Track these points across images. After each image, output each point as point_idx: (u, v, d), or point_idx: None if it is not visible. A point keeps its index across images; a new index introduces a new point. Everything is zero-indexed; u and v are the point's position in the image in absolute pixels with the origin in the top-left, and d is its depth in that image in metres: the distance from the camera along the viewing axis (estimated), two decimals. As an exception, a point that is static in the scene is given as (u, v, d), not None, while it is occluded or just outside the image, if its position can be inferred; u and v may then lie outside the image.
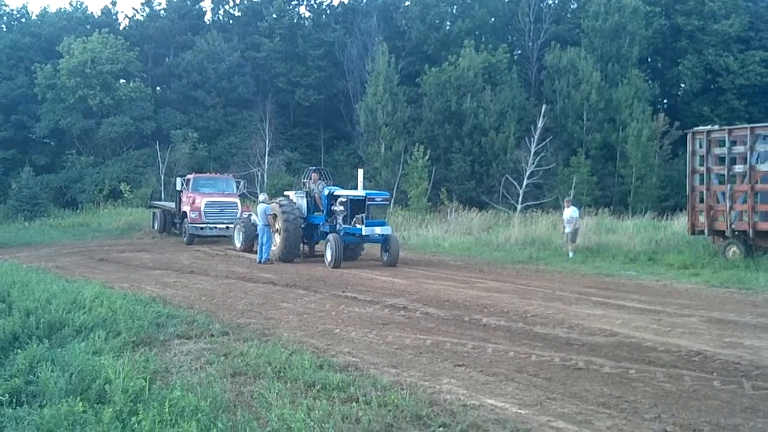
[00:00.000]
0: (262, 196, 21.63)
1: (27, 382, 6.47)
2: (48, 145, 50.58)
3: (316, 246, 21.75)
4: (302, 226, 20.37)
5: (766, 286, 14.53)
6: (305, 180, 21.51)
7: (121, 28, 54.17)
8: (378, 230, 18.97)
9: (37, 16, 55.00)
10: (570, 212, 21.71)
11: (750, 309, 11.96)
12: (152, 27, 52.80)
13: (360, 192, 19.78)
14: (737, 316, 11.11)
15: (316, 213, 20.81)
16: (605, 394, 6.83)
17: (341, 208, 19.50)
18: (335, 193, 20.21)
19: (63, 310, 9.45)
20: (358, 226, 18.89)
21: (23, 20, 54.06)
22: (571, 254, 21.19)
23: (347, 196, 19.71)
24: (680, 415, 6.18)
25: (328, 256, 18.81)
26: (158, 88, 53.57)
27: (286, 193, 22.39)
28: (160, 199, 36.67)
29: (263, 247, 19.95)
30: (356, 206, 19.27)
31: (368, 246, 21.24)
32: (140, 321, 9.48)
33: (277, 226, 20.48)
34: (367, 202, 19.01)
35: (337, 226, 19.64)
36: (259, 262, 19.67)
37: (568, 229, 21.68)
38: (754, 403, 6.56)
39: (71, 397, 5.85)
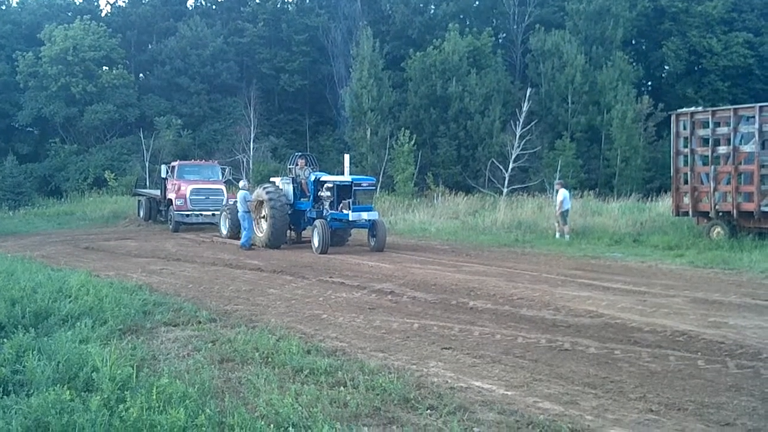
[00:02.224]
0: (242, 183, 21.78)
1: (14, 371, 6.43)
2: (31, 134, 50.23)
3: (303, 232, 21.73)
4: (289, 212, 20.33)
5: (750, 266, 14.66)
6: (291, 166, 21.43)
7: (102, 14, 53.72)
8: (365, 215, 18.95)
9: (17, 3, 54.48)
10: (561, 195, 21.77)
11: (734, 289, 12.07)
12: (134, 13, 52.39)
13: (346, 177, 19.75)
14: (721, 296, 11.21)
15: (302, 199, 20.73)
16: (591, 374, 6.89)
17: (328, 193, 19.43)
18: (322, 179, 20.14)
19: (49, 299, 9.41)
20: (345, 211, 18.85)
21: (3, 7, 53.42)
22: (559, 235, 21.35)
23: (334, 181, 19.64)
24: (665, 395, 6.24)
25: (316, 242, 18.80)
26: (141, 74, 53.19)
27: (272, 179, 22.31)
28: (145, 187, 36.50)
29: (245, 233, 20.18)
30: (343, 192, 19.22)
31: (355, 231, 21.24)
32: (127, 309, 9.46)
33: (263, 213, 20.45)
34: (354, 188, 18.97)
35: (324, 212, 19.59)
36: (242, 247, 19.89)
37: (558, 211, 21.81)
38: (738, 382, 6.63)
39: (58, 385, 5.83)
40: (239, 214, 20.56)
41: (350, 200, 18.86)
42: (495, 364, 7.29)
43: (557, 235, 21.48)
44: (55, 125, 46.94)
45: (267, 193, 20.12)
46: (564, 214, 21.65)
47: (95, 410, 5.24)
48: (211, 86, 49.96)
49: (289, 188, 20.74)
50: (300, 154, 22.07)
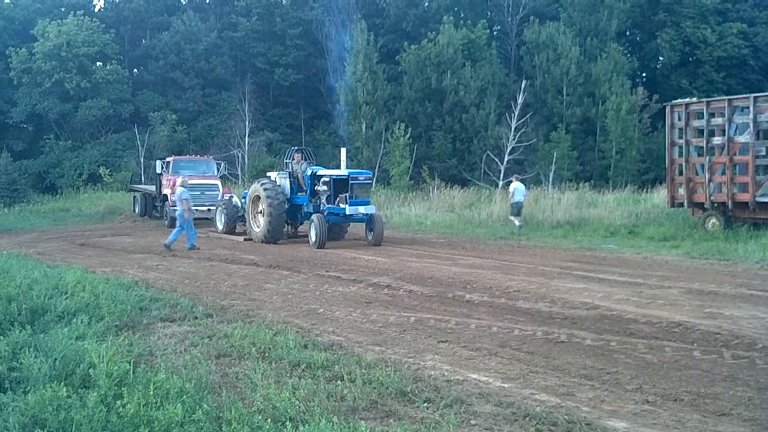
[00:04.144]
0: (180, 180, 20.42)
1: (10, 368, 6.42)
2: (25, 130, 50.08)
3: (300, 226, 21.70)
4: (286, 207, 20.26)
5: (745, 256, 14.70)
6: (288, 160, 21.37)
7: (96, 9, 53.49)
8: (362, 209, 18.92)
9: (9, -1, 54.23)
10: (512, 187, 22.75)
11: (729, 279, 12.11)
12: (128, 8, 52.15)
13: (343, 171, 19.69)
14: (717, 287, 11.25)
15: (299, 193, 20.70)
16: (587, 366, 6.91)
17: (325, 188, 19.39)
18: (318, 173, 20.10)
19: (45, 296, 9.38)
20: (342, 205, 18.82)
21: (-4, 4, 53.24)
22: (517, 223, 22.15)
23: (330, 175, 19.60)
24: (661, 386, 6.26)
25: (313, 236, 18.75)
26: (135, 70, 53.00)
27: (268, 173, 22.26)
28: (140, 183, 36.42)
29: (175, 231, 18.94)
30: (340, 186, 19.17)
31: (352, 225, 21.23)
32: (123, 305, 9.45)
33: (260, 208, 20.41)
34: (351, 182, 18.90)
35: (321, 207, 19.55)
36: (166, 246, 18.56)
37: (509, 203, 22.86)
38: (734, 372, 6.66)
39: (55, 382, 5.82)
40: (176, 213, 19.59)
41: (347, 194, 18.82)
42: (491, 357, 7.31)
43: (516, 224, 22.22)
44: (50, 121, 46.83)
45: (264, 188, 20.05)
46: (515, 206, 22.41)
47: (92, 406, 5.23)
48: (206, 81, 49.84)
49: (285, 183, 20.69)
50: (296, 148, 22.00)
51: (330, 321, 9.19)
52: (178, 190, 19.50)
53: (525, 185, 24.33)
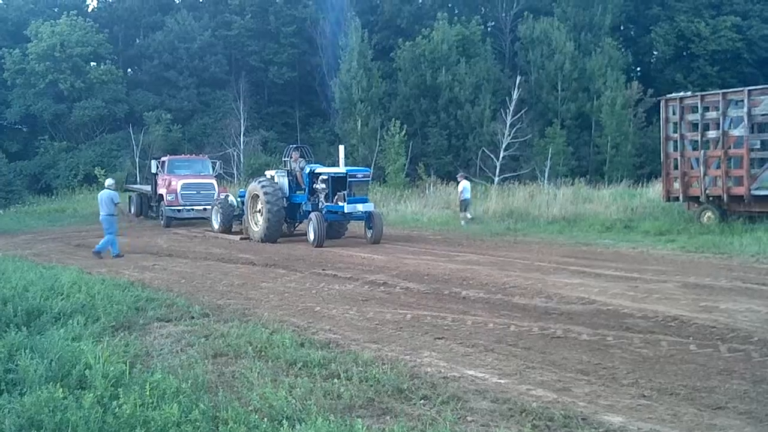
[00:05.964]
0: (108, 182, 18.70)
1: (6, 370, 6.41)
2: (20, 131, 50.00)
3: (299, 225, 21.62)
4: (284, 205, 20.16)
5: (741, 250, 14.71)
6: (286, 159, 21.25)
7: (89, 10, 53.44)
8: (360, 207, 18.79)
9: (2, 0, 54.01)
10: (461, 186, 23.95)
11: (725, 273, 12.11)
12: (121, 8, 52.09)
13: (341, 169, 19.60)
14: (713, 281, 11.25)
15: (298, 192, 20.61)
16: (583, 361, 6.92)
17: (323, 185, 19.29)
18: (316, 171, 20.02)
19: (41, 297, 9.38)
20: (341, 203, 18.73)
21: (-12, 4, 53.12)
22: (463, 223, 23.18)
23: (329, 173, 19.51)
24: (657, 380, 6.27)
25: (311, 235, 18.65)
26: (129, 69, 52.93)
27: (266, 172, 22.13)
28: (135, 183, 36.35)
29: (105, 240, 17.32)
30: (338, 183, 19.05)
31: (351, 224, 21.17)
32: (119, 305, 9.44)
33: (258, 207, 20.32)
34: (349, 179, 18.81)
35: (320, 205, 19.47)
36: (95, 254, 17.20)
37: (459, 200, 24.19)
38: (730, 366, 6.67)
39: (51, 383, 5.82)
40: (101, 217, 17.68)
41: (345, 192, 18.73)
42: (488, 353, 7.31)
43: (462, 222, 23.27)
44: (44, 122, 46.78)
45: (262, 187, 19.94)
46: (463, 203, 23.69)
47: (88, 407, 5.23)
48: (200, 80, 49.80)
49: (284, 181, 20.58)
50: (294, 146, 21.89)
51: (326, 319, 9.18)
52: (105, 193, 17.80)
53: (471, 182, 26.11)
